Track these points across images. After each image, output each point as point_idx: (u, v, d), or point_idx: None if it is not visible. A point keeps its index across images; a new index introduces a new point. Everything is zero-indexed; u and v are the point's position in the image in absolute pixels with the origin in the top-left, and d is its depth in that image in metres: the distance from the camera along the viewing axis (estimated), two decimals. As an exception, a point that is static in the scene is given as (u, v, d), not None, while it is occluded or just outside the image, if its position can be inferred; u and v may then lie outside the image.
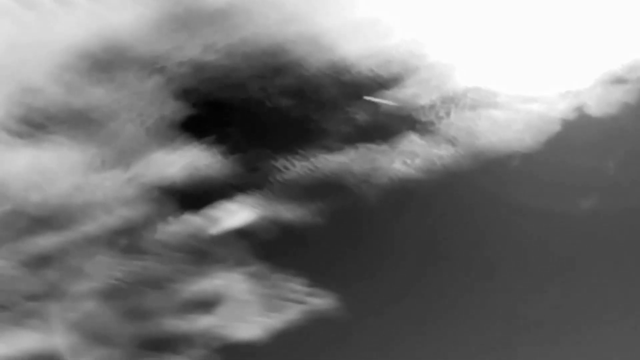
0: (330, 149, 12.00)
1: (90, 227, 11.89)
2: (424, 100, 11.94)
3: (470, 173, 11.87)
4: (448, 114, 11.97)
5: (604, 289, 11.53)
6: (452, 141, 11.95)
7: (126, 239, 11.95)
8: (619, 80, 11.79)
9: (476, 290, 11.82)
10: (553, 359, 11.27)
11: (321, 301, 11.78)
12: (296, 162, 12.04)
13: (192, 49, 11.96)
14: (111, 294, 11.89)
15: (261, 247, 11.96)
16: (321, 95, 12.05)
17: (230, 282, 11.91)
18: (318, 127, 12.07)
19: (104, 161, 11.99)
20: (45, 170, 11.87)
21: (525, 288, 11.72)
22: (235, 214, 11.96)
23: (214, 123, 12.16)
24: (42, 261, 11.79)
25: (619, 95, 11.77)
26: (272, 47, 11.88)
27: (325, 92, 12.03)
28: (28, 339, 11.65)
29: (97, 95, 11.94)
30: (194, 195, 12.00)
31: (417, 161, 11.95)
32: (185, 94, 12.05)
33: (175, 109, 12.03)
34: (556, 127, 11.83)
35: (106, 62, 11.88)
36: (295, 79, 11.99)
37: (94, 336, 11.76)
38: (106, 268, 11.94)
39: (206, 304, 11.86)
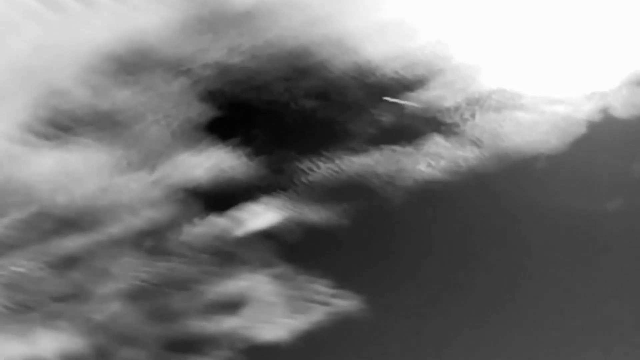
0: (355, 151, 12.03)
1: (116, 228, 11.95)
2: (449, 102, 11.96)
3: (495, 175, 11.86)
4: (473, 115, 11.98)
5: (631, 290, 11.48)
6: (477, 143, 11.95)
7: (152, 241, 12.00)
8: (644, 82, 11.77)
9: (501, 291, 11.79)
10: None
11: (346, 303, 11.79)
12: (321, 164, 12.06)
13: (218, 52, 12.01)
14: (137, 295, 11.94)
15: (286, 248, 11.99)
16: (346, 97, 12.09)
17: (255, 284, 11.93)
18: (343, 129, 12.10)
19: (129, 163, 12.05)
20: (72, 172, 11.94)
21: (552, 290, 11.69)
22: (260, 215, 11.99)
23: (239, 125, 12.21)
24: (68, 262, 11.85)
25: (644, 97, 11.75)
26: (297, 50, 11.92)
27: (349, 94, 12.06)
28: (54, 340, 11.71)
29: (123, 97, 12.01)
30: (219, 197, 12.06)
31: (442, 163, 11.95)
32: (210, 96, 12.11)
33: (200, 111, 12.08)
34: (581, 129, 11.82)
35: (132, 65, 11.95)
36: (320, 81, 12.03)
37: (120, 337, 11.81)
38: (132, 269, 11.99)
39: (231, 306, 11.88)
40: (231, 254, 12.01)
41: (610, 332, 11.26)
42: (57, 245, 11.87)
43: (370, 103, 12.05)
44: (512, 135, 11.88)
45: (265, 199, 12.02)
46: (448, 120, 11.98)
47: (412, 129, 12.01)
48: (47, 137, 11.86)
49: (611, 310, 11.39)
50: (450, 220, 12.01)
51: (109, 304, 11.89)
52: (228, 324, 11.85)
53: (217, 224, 12.00)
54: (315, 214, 11.97)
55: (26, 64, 11.69)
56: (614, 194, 11.76)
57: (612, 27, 11.77)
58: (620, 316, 11.43)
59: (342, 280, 11.85)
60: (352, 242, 12.05)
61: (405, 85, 11.94)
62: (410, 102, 11.91)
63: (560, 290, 11.66)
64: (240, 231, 12.00)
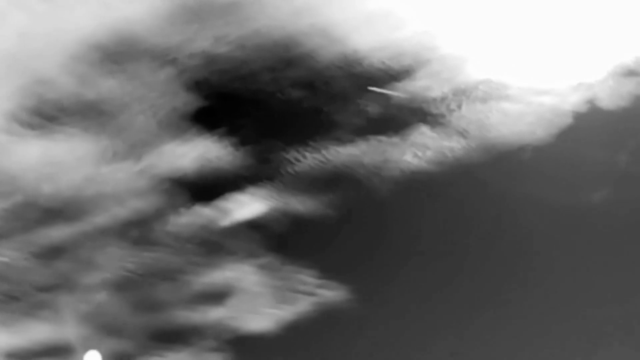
0: (341, 141, 12.01)
1: (102, 218, 11.93)
2: (435, 93, 11.93)
3: (481, 165, 11.86)
4: (459, 106, 11.96)
5: (616, 282, 11.51)
6: (463, 134, 11.95)
7: (137, 231, 11.98)
8: (631, 73, 11.76)
9: (486, 283, 11.82)
10: (564, 350, 11.27)
11: (332, 293, 11.79)
12: (307, 154, 12.05)
13: (204, 41, 11.96)
14: (122, 285, 11.94)
15: (272, 239, 11.99)
16: (332, 87, 12.07)
17: (241, 274, 11.92)
18: (329, 119, 12.09)
19: (115, 153, 12.01)
20: (57, 161, 11.89)
21: (535, 281, 11.71)
22: (247, 205, 11.97)
23: (225, 115, 12.19)
24: (53, 252, 11.83)
25: (631, 88, 11.75)
26: (284, 39, 11.88)
27: (336, 84, 12.03)
28: (39, 330, 11.68)
29: (108, 86, 11.95)
30: (205, 187, 12.04)
31: (428, 153, 11.95)
32: (196, 85, 12.07)
33: (186, 101, 12.04)
34: (568, 120, 11.82)
35: (118, 54, 11.90)
36: (306, 71, 11.99)
37: (105, 327, 11.80)
38: (117, 259, 11.97)
39: (217, 296, 11.89)
40: (217, 244, 12.01)
41: (595, 325, 11.29)
42: (42, 235, 11.84)
43: (356, 93, 12.03)
44: (498, 125, 11.88)
45: (251, 189, 12.01)
46: (434, 111, 11.97)
47: (399, 119, 12.01)
48: (32, 126, 11.81)
49: (597, 301, 11.42)
50: (436, 210, 12.02)
51: (94, 294, 11.89)
52: (214, 314, 11.85)
53: (203, 214, 11.98)
54: (301, 204, 11.97)
55: (11, 53, 11.63)
56: (600, 185, 11.77)
57: (599, 18, 11.75)
58: (606, 308, 11.45)
59: (328, 270, 11.86)
60: (339, 232, 12.05)
61: (392, 76, 11.92)
62: (397, 92, 11.89)
63: (547, 281, 11.69)
64: (226, 221, 11.99)
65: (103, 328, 11.77)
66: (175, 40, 11.91)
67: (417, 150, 11.96)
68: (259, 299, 11.91)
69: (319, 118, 12.09)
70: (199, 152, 11.99)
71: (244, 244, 11.96)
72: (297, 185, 12.01)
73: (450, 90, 11.93)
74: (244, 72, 12.04)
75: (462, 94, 11.95)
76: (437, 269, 11.93)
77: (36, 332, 11.68)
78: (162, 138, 12.01)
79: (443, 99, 11.96)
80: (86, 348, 11.60)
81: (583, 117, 11.82)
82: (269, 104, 12.14)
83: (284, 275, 11.92)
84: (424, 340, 11.71)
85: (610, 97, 11.78)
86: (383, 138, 12.00)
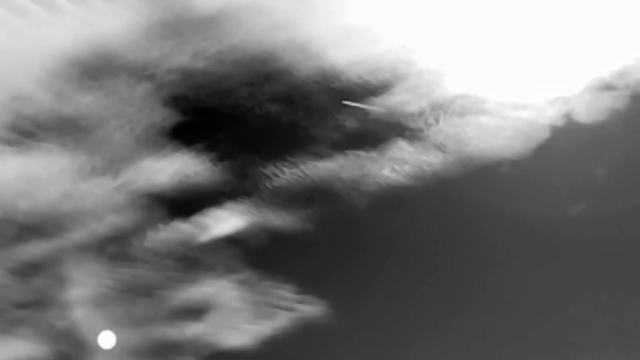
0: (319, 156, 12.01)
1: (80, 234, 11.87)
2: (413, 107, 11.95)
3: (459, 180, 11.88)
4: (437, 120, 11.98)
5: (593, 295, 11.53)
6: (441, 148, 11.96)
7: (115, 247, 11.93)
8: (607, 87, 11.81)
9: (465, 297, 11.81)
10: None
11: (311, 308, 11.77)
12: (285, 169, 12.04)
13: (182, 56, 11.96)
14: (100, 301, 11.87)
15: (250, 254, 11.96)
16: (310, 102, 12.07)
17: (219, 290, 11.89)
18: (307, 134, 12.08)
19: (93, 168, 11.98)
20: (34, 177, 11.85)
21: (514, 294, 11.71)
22: (225, 221, 11.95)
23: (203, 130, 12.17)
24: (31, 269, 11.76)
25: (607, 102, 11.79)
26: (262, 54, 11.89)
27: (314, 98, 12.04)
28: (17, 347, 11.61)
29: (86, 102, 11.93)
30: (183, 203, 12.00)
31: (406, 168, 11.95)
32: (174, 101, 12.06)
33: (164, 116, 12.03)
34: (545, 134, 11.85)
35: (95, 69, 11.88)
36: (284, 86, 12.00)
37: (83, 344, 11.73)
38: (95, 276, 11.91)
39: (195, 312, 11.84)
40: (195, 260, 11.96)
41: (571, 336, 11.31)
42: (20, 251, 11.78)
43: (334, 108, 12.04)
44: (476, 140, 11.90)
45: (229, 204, 11.98)
46: (412, 125, 11.98)
47: (377, 134, 12.01)
48: (9, 142, 11.77)
49: (573, 314, 11.44)
50: (414, 225, 12.02)
51: (72, 311, 11.81)
52: (192, 330, 11.81)
53: (181, 229, 11.95)
54: (279, 219, 11.95)
55: (-13, 69, 11.61)
56: (578, 199, 11.81)
57: (575, 33, 11.80)
58: (582, 320, 11.48)
59: (307, 285, 11.84)
60: (317, 247, 12.03)
61: (370, 90, 11.93)
62: (374, 106, 11.90)
63: (523, 294, 11.70)
64: (204, 237, 11.96)
65: (80, 344, 11.70)
66: (152, 55, 11.91)
67: (395, 165, 11.98)
68: (237, 315, 11.88)
69: (296, 133, 12.10)
70: (177, 167, 11.98)
71: (222, 259, 11.94)
72: (276, 200, 12.01)
73: (428, 104, 11.96)
74: (221, 87, 12.05)
75: (440, 108, 11.98)
76: (415, 284, 11.93)
77: (14, 349, 11.61)
78: (140, 153, 11.99)
79: (421, 113, 11.98)
80: (64, 364, 11.55)
81: (560, 131, 11.87)
82: (247, 119, 12.14)
83: (262, 291, 11.89)
84: (403, 355, 11.70)
85: (587, 111, 11.83)
86: (361, 153, 12.01)
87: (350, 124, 12.04)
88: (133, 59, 11.89)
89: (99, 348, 11.69)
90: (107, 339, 11.57)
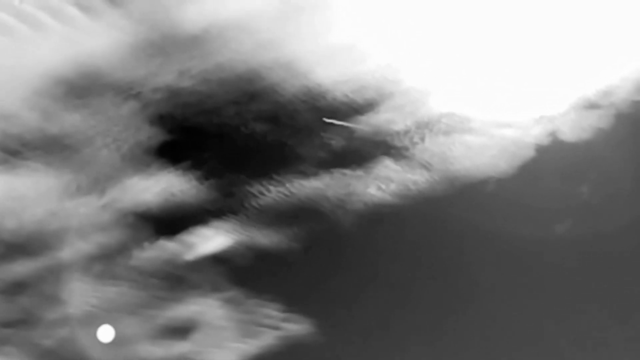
0: (305, 174, 12.02)
1: (66, 253, 11.87)
2: (399, 126, 11.99)
3: (444, 198, 11.90)
4: (422, 139, 12.01)
5: (578, 314, 11.55)
6: (426, 166, 11.99)
7: (101, 265, 11.93)
8: (592, 106, 11.86)
9: (451, 315, 11.82)
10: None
11: (296, 327, 11.77)
12: (271, 188, 12.05)
13: (168, 75, 11.98)
14: (86, 320, 11.86)
15: (236, 272, 11.96)
16: (296, 120, 12.09)
17: (205, 308, 11.89)
18: (293, 153, 12.11)
19: (79, 187, 11.98)
20: (20, 196, 11.85)
21: (499, 312, 11.74)
22: (211, 239, 11.95)
23: (189, 149, 12.19)
24: (16, 288, 11.75)
25: (592, 121, 11.84)
26: (247, 73, 11.91)
27: (300, 117, 12.07)
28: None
29: (72, 121, 11.94)
30: (169, 221, 12.01)
31: (392, 186, 11.98)
32: (160, 119, 12.08)
33: (150, 135, 12.04)
34: (530, 152, 11.89)
35: (81, 88, 11.90)
36: (270, 105, 12.03)
37: (69, 363, 11.73)
38: (81, 294, 11.90)
39: (181, 330, 11.83)
40: (181, 278, 11.96)
41: (554, 356, 11.33)
42: (5, 270, 11.77)
43: (320, 127, 12.06)
44: (461, 158, 11.93)
45: (215, 223, 11.99)
46: (398, 144, 12.02)
47: (362, 152, 12.05)
48: (-5, 161, 11.79)
49: (558, 333, 11.46)
50: (400, 243, 12.04)
51: (57, 330, 11.80)
52: (178, 348, 11.80)
53: (167, 248, 11.95)
54: (265, 238, 11.96)
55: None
56: (563, 217, 11.84)
57: (560, 52, 11.85)
58: (568, 337, 11.50)
59: (293, 304, 11.84)
60: (303, 265, 12.05)
61: (355, 109, 11.97)
62: (360, 125, 11.93)
63: (508, 314, 11.72)
64: (190, 255, 11.96)
65: (67, 363, 11.70)
66: (138, 74, 11.93)
67: (380, 183, 12.00)
68: (223, 333, 11.87)
69: (282, 151, 12.12)
70: (163, 186, 11.99)
71: (208, 277, 11.94)
72: (262, 218, 12.02)
73: (414, 123, 11.99)
74: (207, 105, 12.07)
75: (425, 127, 12.01)
76: (401, 302, 11.94)
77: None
78: (125, 172, 12.00)
79: (406, 132, 12.02)
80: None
81: (545, 150, 11.91)
82: (233, 137, 12.17)
83: (248, 309, 11.90)
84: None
85: (572, 130, 11.87)
86: (347, 171, 12.04)
87: (336, 142, 12.07)
88: (119, 77, 11.91)
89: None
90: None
